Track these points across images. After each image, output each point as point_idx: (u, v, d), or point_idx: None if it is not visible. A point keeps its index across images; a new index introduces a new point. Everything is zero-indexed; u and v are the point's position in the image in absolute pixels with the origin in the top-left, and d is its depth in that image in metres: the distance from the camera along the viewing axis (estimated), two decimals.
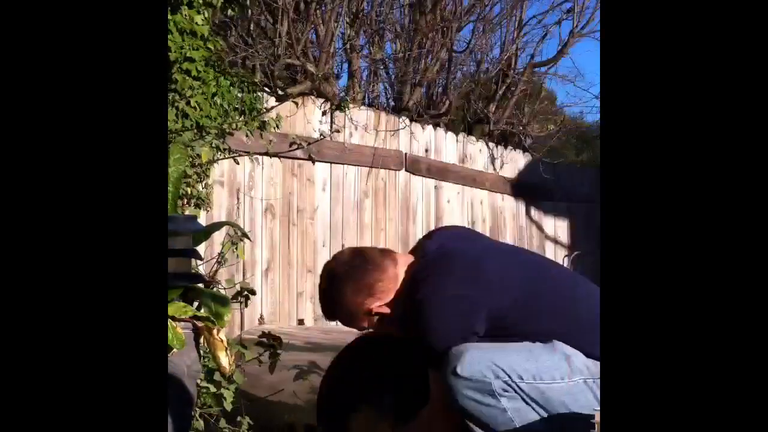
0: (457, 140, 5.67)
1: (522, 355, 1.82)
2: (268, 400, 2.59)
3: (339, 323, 2.08)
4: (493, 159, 5.99)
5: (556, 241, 6.58)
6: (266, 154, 4.04)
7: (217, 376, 2.43)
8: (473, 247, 2.01)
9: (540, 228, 6.48)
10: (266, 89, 4.34)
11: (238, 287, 2.50)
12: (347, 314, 1.97)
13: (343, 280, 1.95)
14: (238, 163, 4.03)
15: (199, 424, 2.41)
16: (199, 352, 2.00)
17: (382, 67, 6.06)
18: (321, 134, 3.65)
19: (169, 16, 3.40)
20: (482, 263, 1.92)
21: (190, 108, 3.54)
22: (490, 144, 6.06)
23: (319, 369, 2.54)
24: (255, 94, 4.01)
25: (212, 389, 2.40)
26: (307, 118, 4.41)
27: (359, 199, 4.79)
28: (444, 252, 1.94)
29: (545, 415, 1.79)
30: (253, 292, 2.56)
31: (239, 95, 3.88)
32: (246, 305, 2.58)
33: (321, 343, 3.01)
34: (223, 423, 2.45)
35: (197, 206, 3.65)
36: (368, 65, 5.90)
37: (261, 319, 4.17)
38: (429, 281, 1.86)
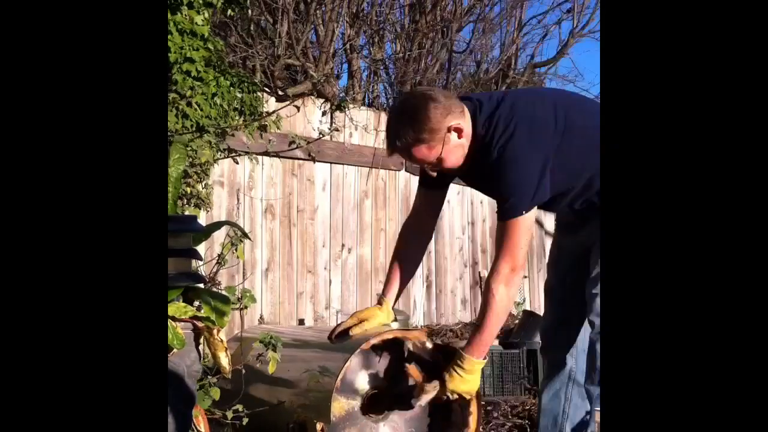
0: None
1: None
2: (277, 399, 2.59)
3: (406, 154, 2.13)
4: None
5: None
6: (266, 153, 4.04)
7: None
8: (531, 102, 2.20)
9: (540, 226, 6.48)
10: (266, 89, 4.34)
11: (238, 294, 2.49)
12: (429, 130, 2.06)
13: (428, 97, 2.10)
14: (237, 163, 4.04)
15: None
16: (199, 352, 2.00)
17: (382, 68, 6.06)
18: (320, 133, 3.65)
19: (169, 17, 3.41)
20: (545, 121, 2.13)
21: (190, 108, 3.54)
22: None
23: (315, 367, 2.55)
24: (255, 95, 4.01)
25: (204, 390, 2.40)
26: (308, 118, 4.42)
27: (359, 199, 4.79)
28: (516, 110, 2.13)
29: None
30: (254, 299, 2.55)
31: (239, 95, 3.88)
32: (245, 312, 2.58)
33: (309, 341, 3.01)
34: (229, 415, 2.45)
35: (197, 206, 3.66)
36: (368, 65, 5.90)
37: (261, 319, 4.17)
38: (518, 142, 2.07)
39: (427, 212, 2.39)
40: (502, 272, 2.07)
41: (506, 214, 2.07)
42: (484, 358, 2.13)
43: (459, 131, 2.08)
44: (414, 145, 2.06)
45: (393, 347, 2.31)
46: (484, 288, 2.12)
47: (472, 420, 2.32)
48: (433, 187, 2.31)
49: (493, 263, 2.10)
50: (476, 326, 2.13)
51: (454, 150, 2.10)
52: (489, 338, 2.12)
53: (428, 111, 2.05)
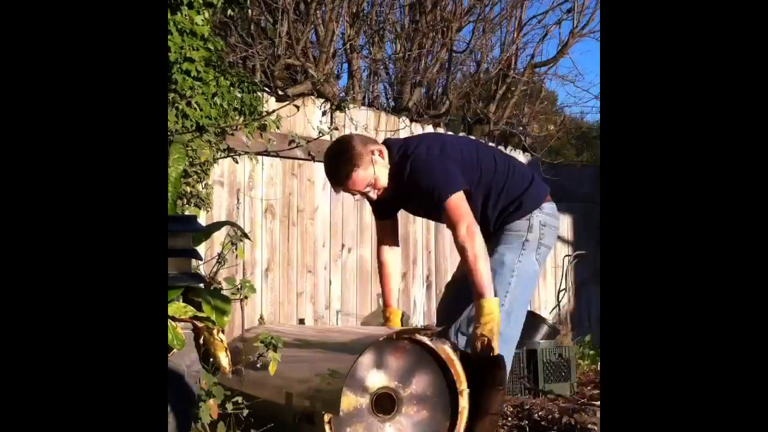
0: None
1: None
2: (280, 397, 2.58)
3: (346, 185, 2.66)
4: None
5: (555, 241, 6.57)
6: (266, 153, 4.04)
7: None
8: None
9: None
10: (266, 89, 4.34)
11: (238, 284, 2.49)
12: (358, 157, 2.60)
13: (353, 139, 2.70)
14: (237, 163, 4.04)
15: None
16: (199, 352, 2.00)
17: (382, 67, 6.06)
18: (320, 132, 3.65)
19: (169, 17, 3.40)
20: (456, 151, 2.69)
21: (190, 108, 3.54)
22: (490, 144, 6.06)
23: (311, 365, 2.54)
24: (255, 95, 4.01)
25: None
26: (308, 118, 4.41)
27: (359, 199, 4.78)
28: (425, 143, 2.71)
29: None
30: (253, 290, 2.56)
31: (239, 95, 3.88)
32: (245, 302, 2.57)
33: (310, 341, 3.01)
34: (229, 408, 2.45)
35: (197, 206, 3.65)
36: (368, 65, 5.90)
37: (261, 319, 4.17)
38: (428, 153, 2.63)
39: (388, 238, 2.99)
40: (461, 234, 2.47)
41: (441, 201, 2.52)
42: (496, 295, 2.45)
43: (381, 152, 2.62)
44: (353, 172, 2.58)
45: (405, 349, 2.32)
46: (459, 251, 2.51)
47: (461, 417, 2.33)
48: (385, 218, 2.95)
49: (454, 236, 2.50)
50: (470, 275, 2.47)
51: (383, 170, 2.63)
52: (484, 277, 2.45)
53: (352, 143, 2.61)
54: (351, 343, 2.47)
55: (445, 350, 2.34)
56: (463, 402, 2.35)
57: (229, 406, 2.44)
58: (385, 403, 2.29)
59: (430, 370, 2.34)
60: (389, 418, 2.30)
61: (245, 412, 2.45)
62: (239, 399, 2.45)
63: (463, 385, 2.34)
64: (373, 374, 2.28)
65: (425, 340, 2.33)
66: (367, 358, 2.25)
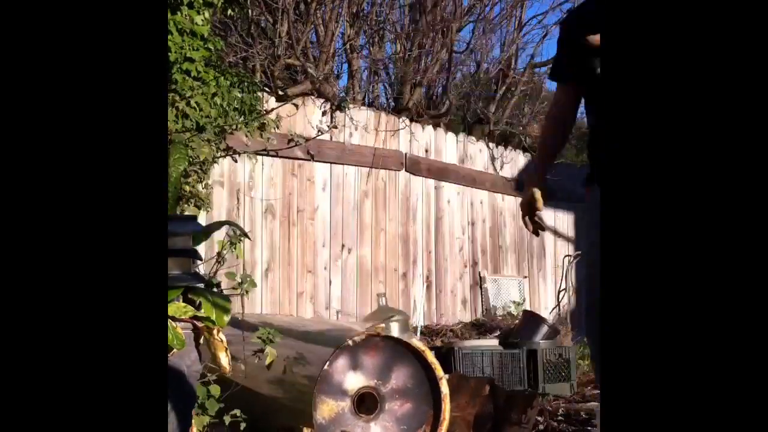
0: (457, 140, 5.67)
1: None
2: (265, 400, 2.58)
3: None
4: (493, 159, 5.99)
5: (556, 241, 6.58)
6: (265, 152, 4.05)
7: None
8: None
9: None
10: (266, 89, 4.34)
11: (239, 279, 2.49)
12: None
13: None
14: (236, 162, 4.04)
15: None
16: (199, 352, 2.00)
17: (382, 67, 6.06)
18: (319, 130, 3.65)
19: (169, 17, 3.41)
20: None
21: (190, 108, 3.55)
22: (490, 144, 6.06)
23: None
24: (255, 94, 4.01)
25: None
26: (308, 117, 4.42)
27: (359, 199, 4.79)
28: None
29: None
30: (254, 284, 2.56)
31: (239, 95, 3.88)
32: (247, 296, 2.57)
33: (292, 330, 3.02)
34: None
35: (197, 206, 3.66)
36: (368, 65, 5.91)
37: None
38: None
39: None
40: None
41: None
42: None
43: None
44: None
45: (378, 347, 2.31)
46: None
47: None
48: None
49: None
50: None
51: None
52: None
53: None
54: (324, 339, 2.46)
55: (415, 342, 2.34)
56: (444, 388, 2.34)
57: (227, 419, 2.43)
58: (367, 403, 2.28)
59: (407, 362, 2.33)
60: (373, 417, 2.29)
61: (243, 425, 2.44)
62: (237, 412, 2.44)
63: (440, 372, 2.33)
64: (350, 376, 2.27)
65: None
66: (341, 362, 2.24)
